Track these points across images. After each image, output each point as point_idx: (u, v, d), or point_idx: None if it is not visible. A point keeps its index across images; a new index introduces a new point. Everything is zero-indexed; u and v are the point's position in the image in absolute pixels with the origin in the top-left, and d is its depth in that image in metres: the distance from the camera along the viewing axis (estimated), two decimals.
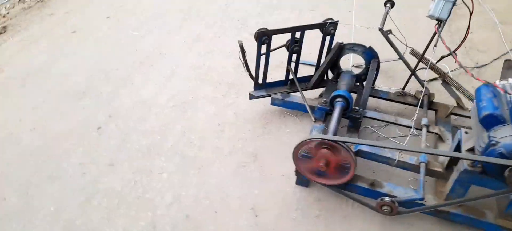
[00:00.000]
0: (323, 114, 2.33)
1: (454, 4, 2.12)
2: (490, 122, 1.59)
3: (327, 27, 2.40)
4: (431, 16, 2.17)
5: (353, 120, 2.26)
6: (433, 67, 2.50)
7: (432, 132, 2.23)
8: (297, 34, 2.40)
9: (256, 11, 3.84)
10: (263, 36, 2.33)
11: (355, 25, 2.67)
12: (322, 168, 1.86)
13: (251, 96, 2.55)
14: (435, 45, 2.25)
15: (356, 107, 2.26)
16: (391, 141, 2.39)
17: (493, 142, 1.55)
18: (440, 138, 2.24)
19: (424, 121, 2.23)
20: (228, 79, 2.93)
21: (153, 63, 3.21)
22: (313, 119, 2.33)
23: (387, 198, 1.83)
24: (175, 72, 3.06)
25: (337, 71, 2.60)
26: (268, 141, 2.41)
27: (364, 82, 2.46)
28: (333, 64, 2.56)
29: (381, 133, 2.46)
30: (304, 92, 2.48)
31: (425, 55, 2.43)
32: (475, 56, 3.13)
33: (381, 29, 2.49)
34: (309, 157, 1.90)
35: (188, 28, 3.67)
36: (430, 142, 2.23)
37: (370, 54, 2.46)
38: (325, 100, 2.30)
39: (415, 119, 2.27)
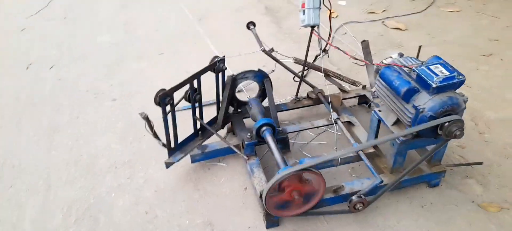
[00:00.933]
0: (253, 149, 2.29)
1: (320, 9, 2.41)
2: (409, 95, 1.89)
3: (218, 66, 2.36)
4: (306, 25, 2.40)
5: (282, 141, 2.31)
6: (311, 67, 2.78)
7: (344, 122, 2.49)
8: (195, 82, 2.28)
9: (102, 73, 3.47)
10: (166, 97, 2.11)
11: (242, 54, 2.71)
12: (297, 200, 1.85)
13: (169, 164, 2.28)
14: (321, 49, 2.50)
15: (279, 128, 2.32)
16: (315, 144, 2.56)
17: (420, 110, 1.85)
18: (350, 123, 2.53)
19: (334, 116, 2.46)
20: (122, 159, 2.53)
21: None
22: (245, 157, 2.27)
23: (354, 197, 1.97)
24: (50, 187, 2.45)
25: (237, 103, 2.60)
26: (211, 202, 2.21)
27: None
28: (231, 97, 2.54)
29: (299, 140, 2.59)
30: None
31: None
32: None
33: (264, 50, 2.61)
34: (275, 195, 1.86)
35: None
36: (345, 130, 2.48)
37: (260, 76, 2.54)
38: (250, 135, 2.27)
39: (331, 118, 2.47)
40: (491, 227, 2.01)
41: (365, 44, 2.67)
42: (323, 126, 2.54)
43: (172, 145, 2.27)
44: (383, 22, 4.19)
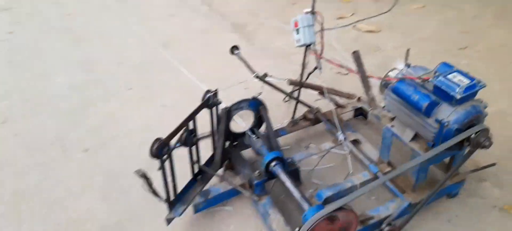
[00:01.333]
0: (263, 187, 2.07)
1: (313, 26, 2.25)
2: (430, 109, 1.77)
3: (211, 102, 2.13)
4: (302, 45, 2.24)
5: (293, 173, 2.11)
6: (309, 86, 2.62)
7: (351, 140, 2.34)
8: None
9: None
10: (164, 147, 1.84)
11: (235, 84, 2.50)
12: None
13: (170, 220, 2.00)
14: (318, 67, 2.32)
15: (288, 160, 2.12)
16: (323, 168, 2.37)
17: (445, 124, 1.73)
18: (356, 141, 2.38)
19: (341, 136, 2.30)
20: (111, 221, 2.20)
21: None
22: (256, 198, 2.04)
23: (384, 225, 1.81)
24: None
25: (232, 136, 2.37)
26: None
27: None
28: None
29: (303, 166, 2.40)
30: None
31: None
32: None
33: (257, 76, 2.41)
34: None
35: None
36: (355, 150, 2.32)
37: (255, 104, 2.34)
38: (259, 172, 2.05)
39: (340, 139, 2.31)
40: None
41: (356, 55, 2.53)
42: (332, 149, 2.36)
43: (172, 197, 2.00)
44: (354, 26, 4.14)
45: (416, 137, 1.95)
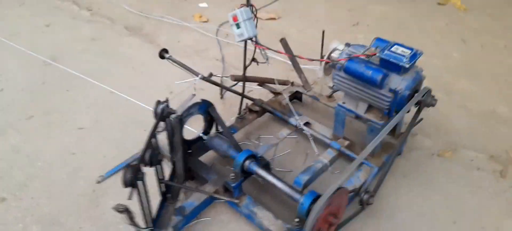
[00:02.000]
0: (240, 189, 2.01)
1: (252, 18, 2.24)
2: (383, 81, 1.96)
3: (165, 114, 1.96)
4: (244, 40, 2.20)
5: (266, 167, 2.10)
6: (253, 80, 2.62)
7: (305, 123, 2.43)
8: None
9: None
10: (137, 173, 1.63)
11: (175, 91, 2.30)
12: (334, 222, 1.72)
13: None
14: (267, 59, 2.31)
15: (259, 155, 2.10)
16: (282, 155, 2.41)
17: (399, 92, 1.94)
18: (307, 123, 2.48)
19: (297, 122, 2.38)
20: None
21: None
22: (236, 201, 1.98)
23: (363, 194, 1.95)
24: None
25: (186, 144, 2.22)
26: None
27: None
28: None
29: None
30: None
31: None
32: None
33: (203, 78, 2.31)
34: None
35: None
36: (313, 132, 2.41)
37: (204, 106, 2.24)
38: (234, 173, 1.97)
39: (298, 124, 2.37)
40: (459, 169, 2.32)
41: (284, 42, 2.64)
42: (292, 134, 2.41)
43: (148, 224, 1.79)
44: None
45: (370, 109, 2.13)
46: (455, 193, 2.19)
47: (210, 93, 2.74)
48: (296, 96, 2.84)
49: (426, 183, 2.24)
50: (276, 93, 2.74)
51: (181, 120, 2.08)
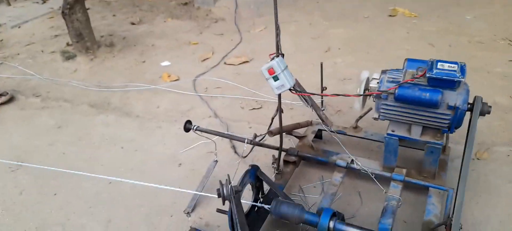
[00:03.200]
0: None
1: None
2: (441, 102, 1.93)
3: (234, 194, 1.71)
4: (285, 90, 2.02)
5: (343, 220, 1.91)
6: (289, 129, 2.44)
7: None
8: None
9: None
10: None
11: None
12: None
13: None
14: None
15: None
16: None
17: (459, 107, 1.91)
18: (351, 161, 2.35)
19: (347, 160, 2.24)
20: None
21: None
22: None
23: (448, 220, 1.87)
24: None
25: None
26: None
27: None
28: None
29: None
30: None
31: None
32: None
33: (250, 142, 2.09)
34: None
35: None
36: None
37: (253, 171, 2.03)
38: None
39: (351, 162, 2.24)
40: (504, 168, 2.37)
41: (296, 83, 2.53)
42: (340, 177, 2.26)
43: None
44: (225, 62, 4.09)
45: (425, 131, 2.08)
46: None
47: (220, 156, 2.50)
48: (316, 135, 2.72)
49: (488, 190, 2.24)
50: (301, 138, 2.58)
51: (238, 192, 1.83)
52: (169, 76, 3.96)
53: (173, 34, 4.92)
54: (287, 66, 2.03)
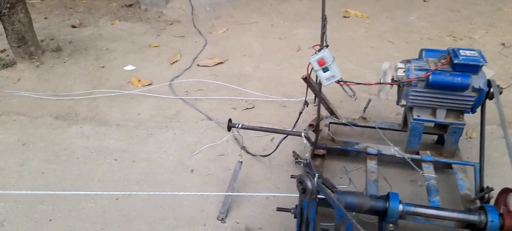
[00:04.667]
0: None
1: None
2: (467, 85, 2.11)
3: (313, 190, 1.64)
4: (334, 81, 2.02)
5: None
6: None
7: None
8: None
9: None
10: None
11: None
12: None
13: None
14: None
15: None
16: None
17: (483, 89, 2.12)
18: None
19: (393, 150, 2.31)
20: None
21: None
22: None
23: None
24: None
25: None
26: None
27: None
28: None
29: None
30: None
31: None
32: None
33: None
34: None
35: None
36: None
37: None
38: (392, 225, 1.78)
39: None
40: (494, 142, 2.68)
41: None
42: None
43: None
44: (198, 64, 3.91)
45: (449, 113, 2.25)
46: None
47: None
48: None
49: (490, 163, 2.49)
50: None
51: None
52: (139, 81, 3.65)
53: (127, 37, 4.55)
54: (333, 60, 2.02)
